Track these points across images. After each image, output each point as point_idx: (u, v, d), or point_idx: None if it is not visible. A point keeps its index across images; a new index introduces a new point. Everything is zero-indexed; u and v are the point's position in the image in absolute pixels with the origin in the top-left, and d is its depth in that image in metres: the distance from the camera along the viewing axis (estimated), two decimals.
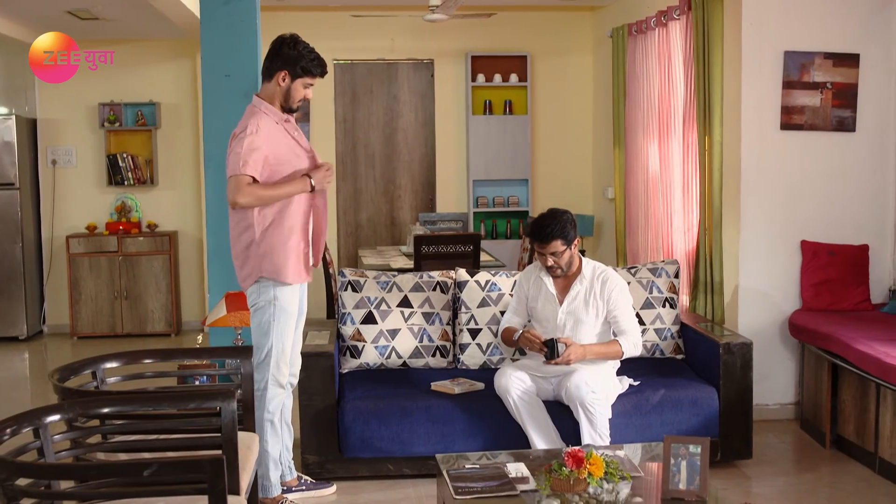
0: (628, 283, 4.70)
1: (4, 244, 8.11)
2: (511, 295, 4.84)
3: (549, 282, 4.47)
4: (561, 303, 4.43)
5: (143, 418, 3.10)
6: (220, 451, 2.99)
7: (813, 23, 5.33)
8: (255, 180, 3.83)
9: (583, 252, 4.81)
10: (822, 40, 5.32)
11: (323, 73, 4.01)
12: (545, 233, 4.33)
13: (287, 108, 4.00)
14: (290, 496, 4.19)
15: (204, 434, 3.06)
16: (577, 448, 3.26)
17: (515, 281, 4.77)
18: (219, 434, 3.02)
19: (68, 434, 3.01)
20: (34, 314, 8.37)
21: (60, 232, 8.40)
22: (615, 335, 4.42)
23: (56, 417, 2.83)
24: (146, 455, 3.16)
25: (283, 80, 3.95)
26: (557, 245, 4.34)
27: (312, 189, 3.94)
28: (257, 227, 3.92)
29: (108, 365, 3.54)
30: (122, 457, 3.21)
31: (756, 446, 4.74)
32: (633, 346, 4.38)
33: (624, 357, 4.41)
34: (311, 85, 3.99)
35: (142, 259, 8.27)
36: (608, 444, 4.18)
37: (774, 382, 5.43)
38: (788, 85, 5.31)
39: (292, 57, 3.93)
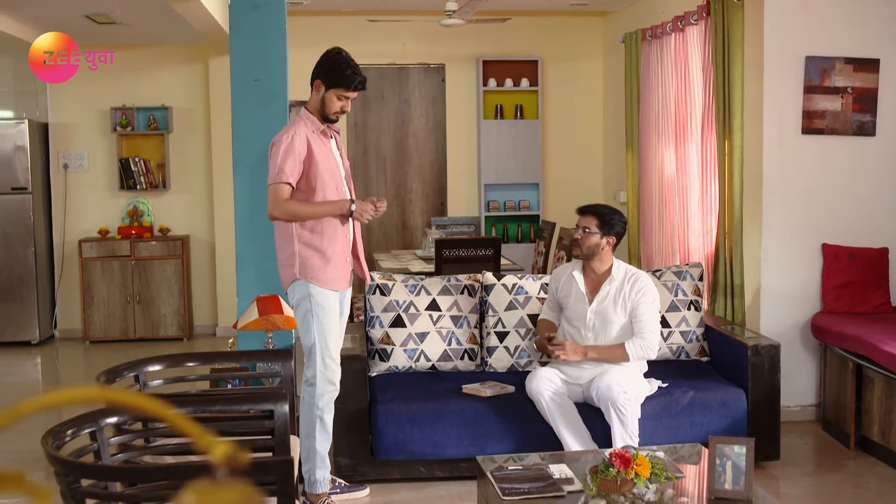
0: None
1: (17, 248, 8.09)
2: (538, 298, 4.91)
3: (580, 280, 4.51)
4: (590, 302, 4.48)
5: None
6: (272, 453, 3.02)
7: (834, 28, 5.38)
8: (292, 187, 3.95)
9: None
10: (842, 45, 5.38)
11: (355, 88, 4.04)
12: (590, 205, 4.58)
13: (324, 118, 4.09)
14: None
15: (256, 437, 3.09)
16: (622, 449, 3.29)
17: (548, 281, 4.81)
18: (270, 436, 3.05)
19: (122, 437, 3.02)
20: (46, 319, 8.35)
21: (72, 236, 8.38)
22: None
23: (114, 419, 2.85)
24: (192, 458, 3.18)
25: (319, 90, 4.07)
26: (592, 222, 4.44)
27: (350, 214, 4.03)
28: (296, 233, 4.02)
29: (151, 368, 3.56)
30: (169, 460, 3.23)
31: (781, 447, 4.78)
32: (641, 349, 4.33)
33: (630, 362, 4.37)
34: (346, 98, 4.06)
35: (154, 263, 8.26)
36: (637, 444, 4.22)
37: (795, 384, 5.46)
38: (809, 90, 5.36)
39: (327, 67, 4.06)
